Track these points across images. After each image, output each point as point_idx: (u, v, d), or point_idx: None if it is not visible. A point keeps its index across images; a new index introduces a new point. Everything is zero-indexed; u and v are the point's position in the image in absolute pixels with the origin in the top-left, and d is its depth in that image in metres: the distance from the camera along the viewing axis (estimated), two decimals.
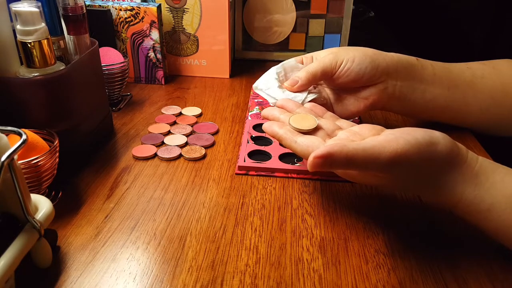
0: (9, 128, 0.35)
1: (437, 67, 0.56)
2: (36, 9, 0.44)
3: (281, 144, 0.55)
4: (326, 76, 0.53)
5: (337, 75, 0.53)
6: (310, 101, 0.51)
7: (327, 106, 0.54)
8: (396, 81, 0.54)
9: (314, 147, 0.39)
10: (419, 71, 0.55)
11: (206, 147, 0.57)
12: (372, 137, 0.39)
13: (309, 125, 0.45)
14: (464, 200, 0.38)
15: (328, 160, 0.36)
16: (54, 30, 0.53)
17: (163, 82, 0.77)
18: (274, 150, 0.55)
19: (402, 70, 0.54)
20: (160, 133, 0.60)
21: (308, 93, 0.52)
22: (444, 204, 0.40)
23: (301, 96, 0.52)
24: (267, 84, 0.53)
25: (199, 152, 0.56)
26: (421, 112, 0.58)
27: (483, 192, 0.37)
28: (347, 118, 0.52)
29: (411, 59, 0.56)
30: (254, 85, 0.54)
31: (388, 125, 0.64)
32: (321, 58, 0.53)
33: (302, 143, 0.42)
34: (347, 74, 0.52)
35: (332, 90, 0.56)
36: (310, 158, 0.37)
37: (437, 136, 0.38)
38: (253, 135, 0.58)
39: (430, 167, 0.38)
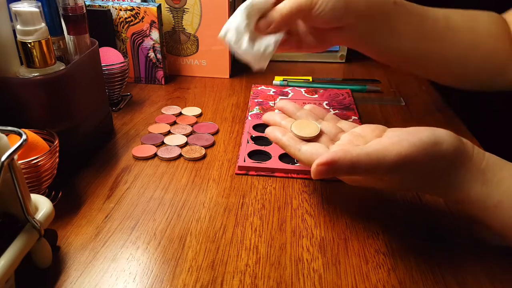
0: (9, 128, 0.35)
1: (413, 17, 0.53)
2: (36, 9, 0.44)
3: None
4: (300, 17, 0.50)
5: (310, 16, 0.50)
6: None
7: (294, 39, 0.54)
8: (366, 26, 0.51)
9: (319, 155, 0.38)
10: (393, 19, 0.52)
11: (206, 147, 0.57)
12: (376, 141, 0.39)
13: (311, 132, 0.44)
14: (472, 197, 0.38)
15: (332, 167, 0.36)
16: (54, 30, 0.53)
17: (163, 82, 0.77)
18: (274, 150, 0.55)
19: (375, 17, 0.51)
20: (160, 133, 0.60)
21: (276, 37, 0.49)
22: (450, 201, 0.40)
23: (270, 40, 0.49)
24: (237, 35, 0.49)
25: (199, 152, 0.56)
26: (387, 58, 0.57)
27: (490, 190, 0.37)
28: (314, 50, 0.54)
29: (388, 4, 0.52)
30: (221, 33, 0.51)
31: (388, 125, 0.63)
32: None
33: (306, 151, 0.42)
34: (321, 17, 0.49)
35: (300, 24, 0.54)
36: (314, 166, 0.36)
37: (442, 135, 0.37)
38: (253, 135, 0.58)
39: (436, 167, 0.37)
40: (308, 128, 0.45)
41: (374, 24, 0.52)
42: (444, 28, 0.55)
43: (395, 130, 0.41)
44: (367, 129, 0.43)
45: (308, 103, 0.68)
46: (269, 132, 0.46)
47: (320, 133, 0.45)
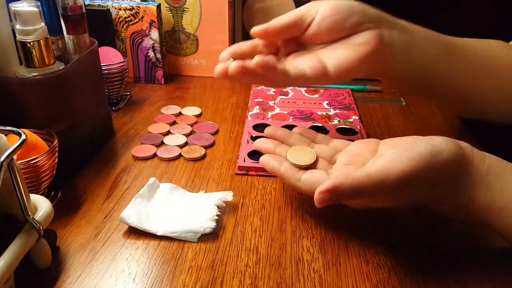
0: (8, 128, 0.35)
1: (428, 31, 0.49)
2: (36, 9, 0.44)
3: None
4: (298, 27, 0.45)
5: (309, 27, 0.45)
6: None
7: (320, 68, 0.44)
8: (391, 31, 0.46)
9: (320, 183, 0.37)
10: (411, 27, 0.48)
11: (206, 147, 0.57)
12: (374, 160, 0.38)
13: (308, 159, 0.43)
14: (476, 203, 0.37)
15: (334, 193, 0.35)
16: (53, 29, 0.53)
17: (162, 82, 0.77)
18: None
19: (394, 23, 0.47)
20: (160, 133, 0.60)
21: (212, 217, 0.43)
22: (456, 207, 0.39)
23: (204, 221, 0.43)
24: (139, 216, 0.43)
25: (198, 152, 0.55)
26: (422, 77, 0.50)
27: (494, 194, 0.37)
28: (348, 73, 0.45)
29: (400, 19, 0.48)
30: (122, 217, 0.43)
31: (389, 125, 0.64)
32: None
33: (306, 180, 0.41)
34: (332, 14, 0.44)
35: (321, 49, 0.47)
36: (316, 195, 0.36)
37: (440, 143, 0.37)
38: (253, 135, 0.58)
39: (439, 177, 0.37)
40: (305, 155, 0.44)
41: (395, 28, 0.46)
42: (462, 47, 0.50)
43: (389, 143, 0.41)
44: (361, 146, 0.43)
45: (309, 102, 0.68)
46: (264, 162, 0.44)
47: (317, 159, 0.44)
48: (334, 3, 0.45)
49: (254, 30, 0.46)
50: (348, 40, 0.45)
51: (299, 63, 0.45)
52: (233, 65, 0.42)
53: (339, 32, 0.45)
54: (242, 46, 0.48)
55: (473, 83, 0.52)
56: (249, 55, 0.47)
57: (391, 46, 0.46)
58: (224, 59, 0.47)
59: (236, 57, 0.46)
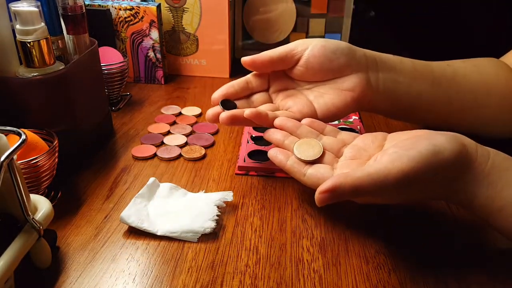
0: (9, 128, 0.35)
1: (417, 63, 0.53)
2: (36, 9, 0.44)
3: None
4: (286, 63, 0.50)
5: (301, 59, 0.49)
6: None
7: (309, 113, 0.49)
8: (377, 73, 0.50)
9: (324, 179, 0.37)
10: (398, 65, 0.52)
11: (206, 147, 0.57)
12: (376, 157, 0.39)
13: (315, 153, 0.43)
14: (477, 202, 0.37)
15: (335, 193, 0.35)
16: (53, 29, 0.53)
17: (162, 82, 0.77)
18: None
19: (381, 63, 0.51)
20: (160, 133, 0.60)
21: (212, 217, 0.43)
22: (458, 204, 0.40)
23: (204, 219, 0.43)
24: (139, 216, 0.43)
25: (199, 152, 0.55)
26: (408, 110, 0.54)
27: (496, 194, 0.36)
28: (336, 116, 0.49)
29: (388, 54, 0.52)
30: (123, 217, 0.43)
31: (389, 125, 0.64)
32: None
33: (311, 175, 0.41)
34: (320, 55, 0.48)
35: (310, 89, 0.51)
36: (316, 194, 0.36)
37: (441, 142, 0.37)
38: (253, 135, 0.58)
39: (440, 176, 0.37)
40: (312, 149, 0.44)
41: (383, 70, 0.50)
42: (452, 74, 0.54)
43: (395, 139, 0.41)
44: (367, 140, 0.43)
45: None
46: (272, 156, 0.45)
47: (323, 152, 0.44)
48: (322, 44, 0.49)
49: (244, 59, 0.50)
50: (335, 83, 0.50)
51: (290, 107, 0.50)
52: (224, 115, 0.46)
53: (326, 72, 0.49)
54: (234, 85, 0.50)
55: (461, 112, 0.55)
56: (242, 93, 0.51)
57: (377, 88, 0.50)
58: (216, 101, 0.50)
59: (228, 97, 0.50)
